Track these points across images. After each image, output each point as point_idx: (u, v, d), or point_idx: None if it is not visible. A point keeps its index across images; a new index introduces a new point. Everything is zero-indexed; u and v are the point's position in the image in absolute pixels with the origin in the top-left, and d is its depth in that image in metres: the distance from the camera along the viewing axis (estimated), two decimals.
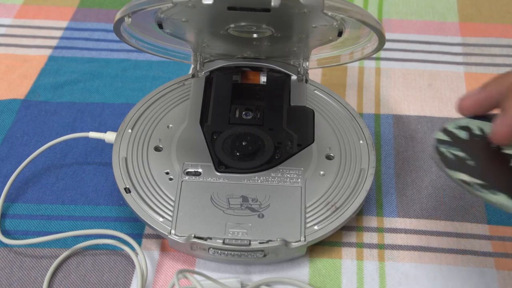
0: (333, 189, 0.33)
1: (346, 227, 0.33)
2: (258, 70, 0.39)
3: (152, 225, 0.32)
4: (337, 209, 0.32)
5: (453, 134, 0.32)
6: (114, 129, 0.37)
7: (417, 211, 0.35)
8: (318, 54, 0.39)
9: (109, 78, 0.44)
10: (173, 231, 0.31)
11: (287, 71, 0.39)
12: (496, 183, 0.29)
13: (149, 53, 0.39)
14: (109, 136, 0.36)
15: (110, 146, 0.37)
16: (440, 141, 0.31)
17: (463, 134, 0.32)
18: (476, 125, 0.31)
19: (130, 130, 0.36)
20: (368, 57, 0.37)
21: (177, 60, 0.40)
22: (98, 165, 0.38)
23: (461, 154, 0.30)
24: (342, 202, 0.32)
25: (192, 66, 0.39)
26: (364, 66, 0.45)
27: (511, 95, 0.28)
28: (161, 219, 0.32)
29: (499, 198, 0.27)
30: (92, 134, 0.37)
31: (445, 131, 0.32)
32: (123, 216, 0.35)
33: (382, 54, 0.46)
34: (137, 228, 0.34)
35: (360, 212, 0.35)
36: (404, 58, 0.46)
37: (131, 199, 0.33)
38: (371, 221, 0.35)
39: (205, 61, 0.39)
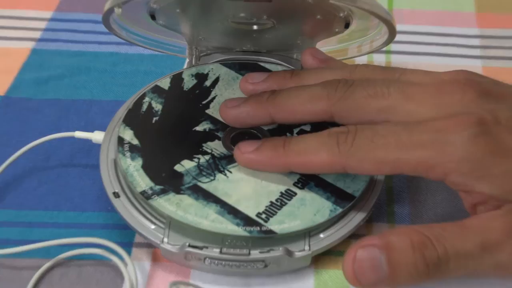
0: None
1: (354, 235, 0.33)
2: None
3: (142, 233, 0.32)
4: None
5: (182, 81, 0.36)
6: (103, 128, 0.37)
7: (431, 217, 0.35)
8: (323, 47, 0.38)
9: (97, 73, 0.43)
10: (165, 240, 0.31)
11: (290, 66, 0.39)
12: (148, 144, 0.33)
13: (141, 46, 0.38)
14: (97, 136, 0.36)
15: (98, 146, 0.36)
16: (157, 89, 0.36)
17: (190, 83, 0.36)
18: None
19: None
20: (377, 51, 0.37)
21: (171, 53, 0.40)
22: (85, 167, 0.38)
23: (159, 107, 0.35)
24: (350, 208, 0.32)
25: (187, 60, 0.39)
26: (373, 60, 0.45)
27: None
28: (152, 227, 0.32)
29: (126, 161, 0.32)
30: (78, 134, 0.36)
31: (176, 78, 0.37)
32: (112, 223, 0.35)
33: (393, 47, 0.45)
34: (126, 236, 0.34)
35: (370, 219, 0.35)
36: (417, 51, 0.45)
37: (120, 205, 0.32)
38: (382, 228, 0.35)
39: (201, 54, 0.39)
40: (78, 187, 0.37)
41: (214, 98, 0.36)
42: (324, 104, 0.31)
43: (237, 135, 0.34)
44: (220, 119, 0.34)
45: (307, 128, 0.34)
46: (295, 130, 0.34)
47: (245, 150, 0.32)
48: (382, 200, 0.36)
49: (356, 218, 0.32)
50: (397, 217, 0.35)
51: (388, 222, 0.35)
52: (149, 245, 0.33)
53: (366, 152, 0.29)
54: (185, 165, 0.33)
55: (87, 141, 0.37)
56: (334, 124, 0.32)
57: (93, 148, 0.38)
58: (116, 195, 0.33)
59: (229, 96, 0.36)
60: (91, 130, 0.37)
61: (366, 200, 0.33)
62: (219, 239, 0.30)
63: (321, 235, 0.31)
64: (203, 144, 0.34)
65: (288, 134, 0.34)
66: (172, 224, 0.31)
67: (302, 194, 0.31)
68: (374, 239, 0.27)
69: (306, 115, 0.32)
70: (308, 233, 0.31)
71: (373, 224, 0.35)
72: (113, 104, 0.41)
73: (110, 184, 0.33)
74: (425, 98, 0.29)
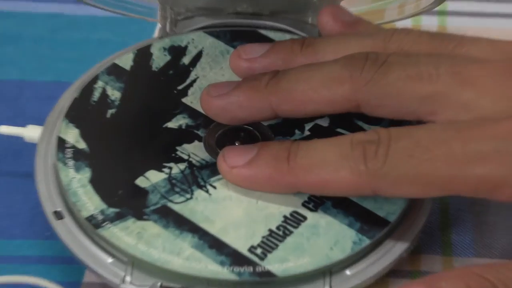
0: None
1: (395, 272, 0.33)
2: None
3: (95, 269, 0.31)
4: None
5: (150, 57, 0.37)
6: (39, 121, 0.37)
7: (504, 246, 0.35)
8: (350, 8, 0.38)
9: (30, 42, 0.44)
10: (128, 278, 0.31)
11: (302, 33, 0.39)
12: (100, 149, 0.34)
13: (93, 6, 0.38)
14: (31, 132, 0.36)
15: (32, 147, 0.36)
16: (115, 69, 0.36)
17: (161, 60, 0.37)
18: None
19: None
20: (427, 12, 0.37)
21: (135, 16, 0.40)
22: (13, 176, 0.38)
23: (117, 94, 0.35)
24: (383, 237, 0.32)
25: (160, 25, 0.39)
26: (421, 25, 0.45)
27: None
28: (110, 260, 0.31)
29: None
30: (5, 129, 0.36)
31: (141, 53, 0.37)
32: (51, 256, 0.35)
33: (449, 5, 0.46)
34: (72, 273, 0.34)
35: (417, 250, 0.35)
36: (483, 11, 0.46)
37: (64, 229, 0.32)
38: (434, 262, 0.35)
39: (179, 18, 0.39)
40: (3, 205, 0.37)
41: (194, 81, 0.36)
42: (346, 89, 0.31)
43: (226, 134, 0.34)
44: (202, 111, 0.34)
45: (325, 122, 0.34)
46: (307, 126, 0.34)
47: (233, 162, 0.32)
48: (433, 223, 0.36)
49: (396, 249, 0.32)
50: (455, 247, 0.35)
51: (443, 254, 0.35)
52: (104, 286, 0.33)
53: (405, 171, 0.29)
54: (151, 178, 0.33)
55: (17, 139, 0.37)
56: (362, 116, 0.32)
57: (25, 149, 0.37)
58: (59, 215, 0.33)
59: (215, 79, 0.36)
60: (23, 123, 0.37)
61: (410, 224, 0.33)
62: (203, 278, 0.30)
63: (347, 272, 0.31)
64: (178, 148, 0.34)
65: (297, 131, 0.34)
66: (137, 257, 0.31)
67: (315, 219, 0.31)
68: (418, 285, 0.27)
69: (322, 105, 0.32)
70: (329, 269, 0.31)
71: (421, 256, 0.35)
72: (53, 88, 0.41)
73: (50, 201, 0.33)
74: (489, 84, 0.29)
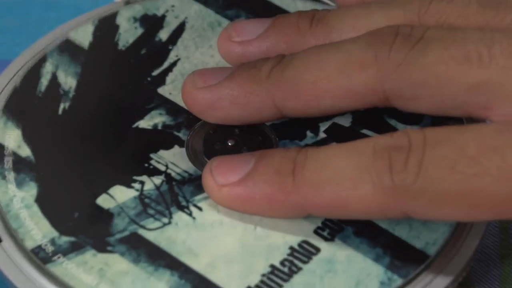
0: None
1: None
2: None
3: None
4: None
5: (115, 30, 0.37)
6: None
7: None
8: None
9: None
10: None
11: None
12: (49, 157, 0.33)
13: None
14: None
15: None
16: (68, 47, 0.36)
17: (130, 35, 0.37)
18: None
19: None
20: None
21: None
22: None
23: (71, 82, 0.35)
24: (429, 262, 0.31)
25: None
26: None
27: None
28: None
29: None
30: None
31: (104, 24, 0.37)
32: None
33: None
34: None
35: (466, 283, 0.34)
36: None
37: (4, 256, 0.31)
38: None
39: None
40: None
41: (174, 64, 0.36)
42: (371, 76, 0.31)
43: (215, 137, 0.34)
44: (185, 106, 0.34)
45: (346, 121, 0.34)
46: (323, 126, 0.34)
47: (223, 179, 0.31)
48: (489, 247, 0.36)
49: (437, 282, 0.31)
50: None
51: None
52: None
53: (445, 187, 0.28)
54: (117, 197, 0.32)
55: None
56: (395, 112, 0.32)
57: None
58: None
59: (202, 62, 0.36)
60: None
61: (457, 249, 0.32)
62: None
63: None
64: (152, 155, 0.33)
65: (309, 133, 0.34)
66: None
67: (331, 252, 0.31)
68: None
69: (340, 99, 0.32)
70: None
71: None
72: None
73: None
74: None
